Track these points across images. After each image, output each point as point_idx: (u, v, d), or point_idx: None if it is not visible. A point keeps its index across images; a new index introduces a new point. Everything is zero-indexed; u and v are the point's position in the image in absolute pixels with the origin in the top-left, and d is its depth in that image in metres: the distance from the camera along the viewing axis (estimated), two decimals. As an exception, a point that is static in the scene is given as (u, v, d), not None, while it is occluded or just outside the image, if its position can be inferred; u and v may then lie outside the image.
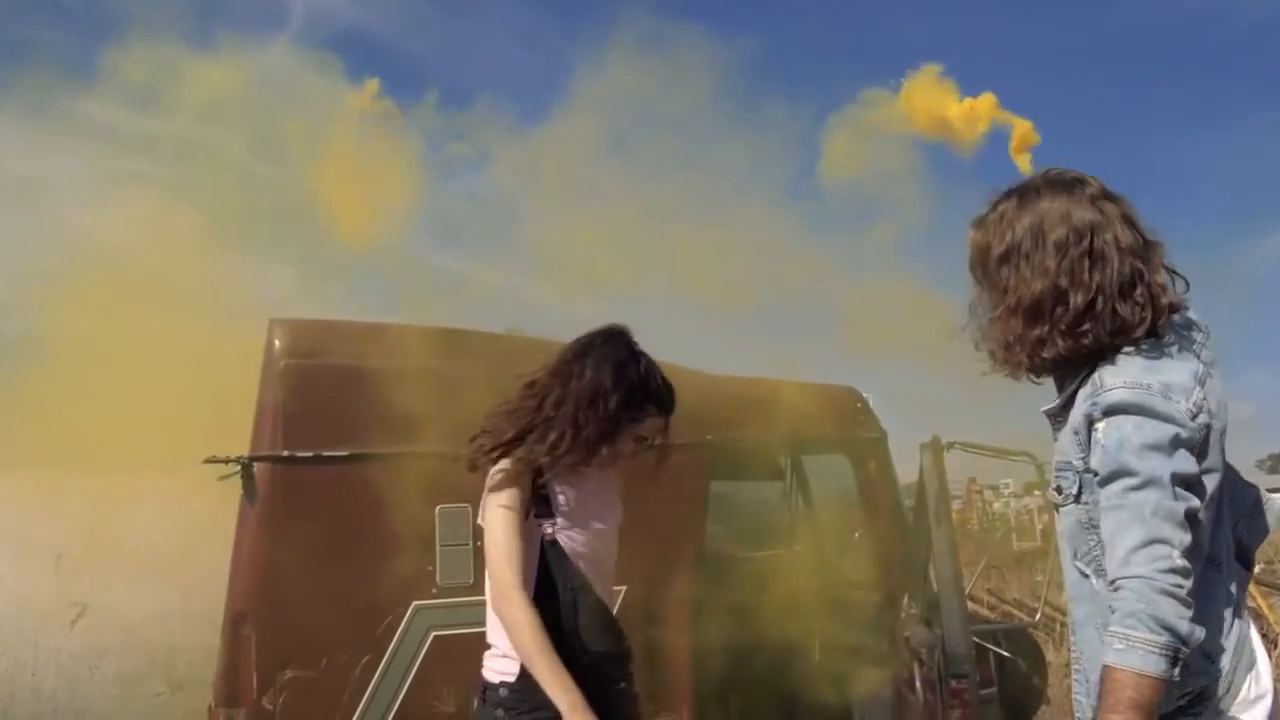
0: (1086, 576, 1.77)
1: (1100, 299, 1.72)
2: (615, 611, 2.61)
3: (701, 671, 3.63)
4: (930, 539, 3.59)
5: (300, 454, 3.30)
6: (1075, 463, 1.76)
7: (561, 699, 2.23)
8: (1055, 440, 1.84)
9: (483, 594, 3.39)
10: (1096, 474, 1.69)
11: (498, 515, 2.41)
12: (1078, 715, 1.80)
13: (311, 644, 3.25)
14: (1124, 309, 1.72)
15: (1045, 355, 1.76)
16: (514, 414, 2.53)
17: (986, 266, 1.82)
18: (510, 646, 2.35)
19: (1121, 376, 1.71)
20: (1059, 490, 1.79)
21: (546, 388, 2.50)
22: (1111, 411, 1.68)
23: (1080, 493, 1.76)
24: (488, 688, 2.42)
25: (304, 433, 3.32)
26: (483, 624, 3.39)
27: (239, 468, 3.31)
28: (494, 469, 2.49)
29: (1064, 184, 1.80)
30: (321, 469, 3.32)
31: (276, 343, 3.35)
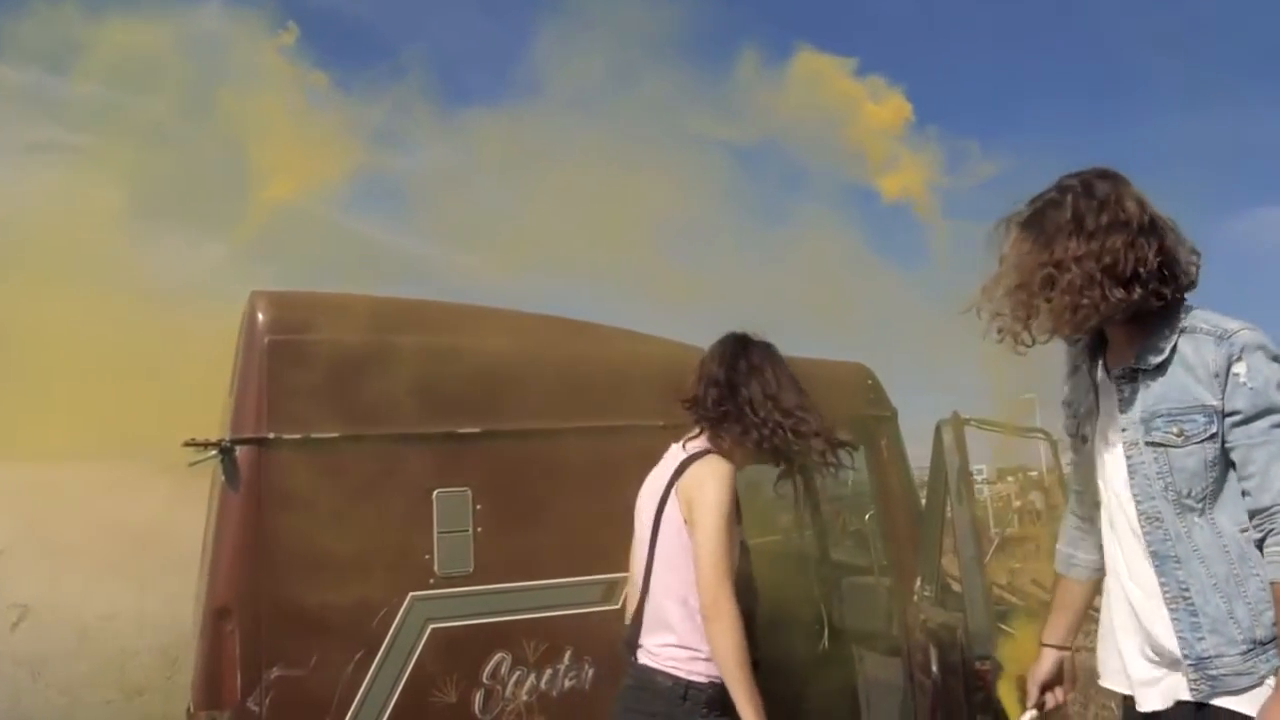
0: (1199, 513, 1.94)
1: (1170, 260, 1.97)
2: None
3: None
4: (943, 520, 3.48)
5: (287, 436, 3.08)
6: (1213, 403, 1.92)
7: (753, 717, 2.35)
8: (1143, 392, 2.01)
9: (482, 583, 3.25)
10: (1237, 412, 1.90)
11: (721, 525, 2.44)
12: (1184, 651, 1.92)
13: (300, 640, 3.03)
14: (1180, 269, 1.99)
15: (1119, 312, 1.96)
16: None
17: (1051, 246, 1.98)
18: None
19: (1224, 321, 1.97)
20: (1180, 433, 1.94)
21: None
22: (1248, 349, 1.91)
23: (1214, 432, 1.92)
24: (691, 687, 2.44)
25: (290, 414, 3.09)
26: (483, 615, 3.25)
27: (213, 452, 3.08)
28: (709, 469, 2.53)
29: (1109, 171, 2.05)
30: (309, 452, 3.10)
31: (259, 316, 3.12)
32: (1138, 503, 2.01)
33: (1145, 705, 2.01)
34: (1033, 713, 2.11)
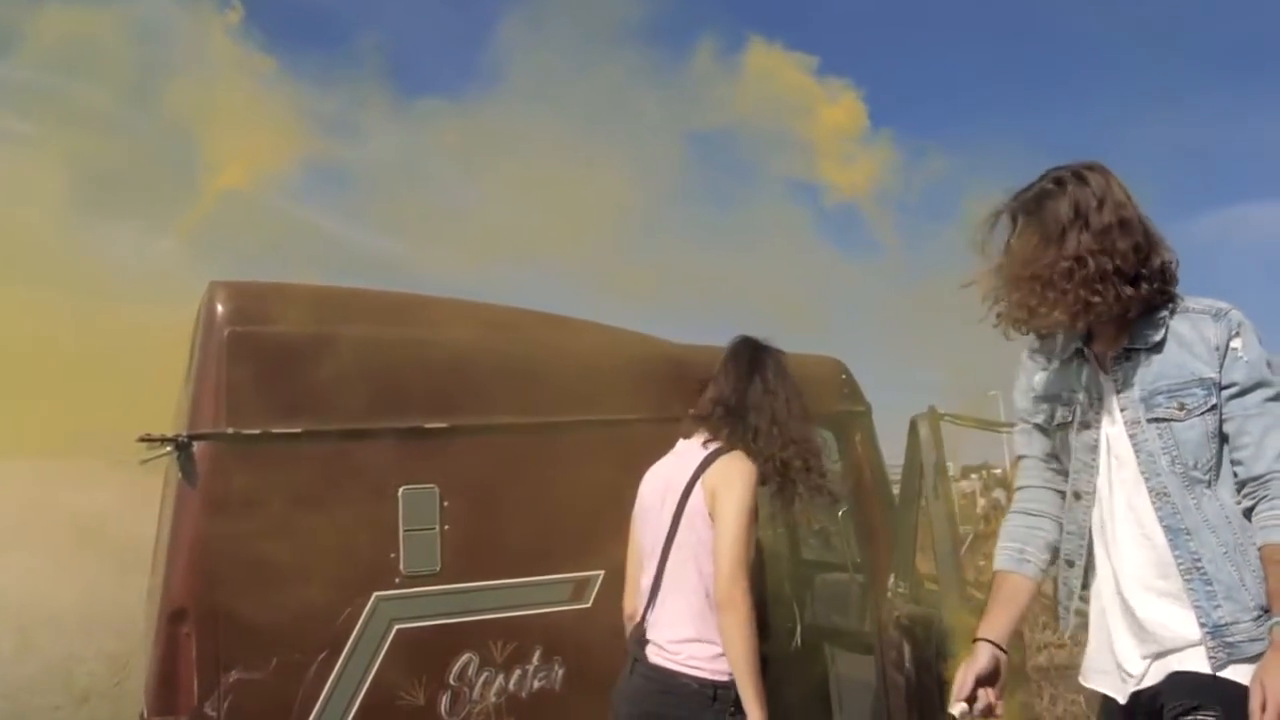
0: (1206, 485, 1.99)
1: (1165, 256, 2.05)
2: None
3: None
4: (918, 516, 3.45)
5: (247, 431, 2.97)
6: (1210, 375, 2.00)
7: (759, 712, 2.40)
8: (1140, 372, 2.06)
9: (449, 583, 3.16)
10: (1234, 384, 1.98)
11: (744, 521, 2.49)
12: (1201, 620, 1.94)
13: (260, 642, 2.92)
14: (1170, 264, 2.06)
15: (1130, 308, 2.02)
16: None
17: (1062, 238, 2.01)
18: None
19: (1214, 301, 2.07)
20: (1181, 407, 2.00)
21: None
22: (1244, 326, 2.01)
23: (1214, 404, 1.99)
24: (719, 688, 2.44)
25: (251, 408, 2.98)
26: (450, 614, 3.17)
27: (168, 448, 2.96)
28: (736, 465, 2.56)
29: (1098, 165, 2.10)
30: (270, 448, 2.99)
31: (219, 307, 3.01)
32: (1146, 480, 2.03)
33: (1143, 684, 2.02)
34: (962, 706, 2.04)
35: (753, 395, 2.66)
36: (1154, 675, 2.02)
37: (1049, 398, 2.20)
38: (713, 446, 2.63)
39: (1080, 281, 1.97)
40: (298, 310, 3.13)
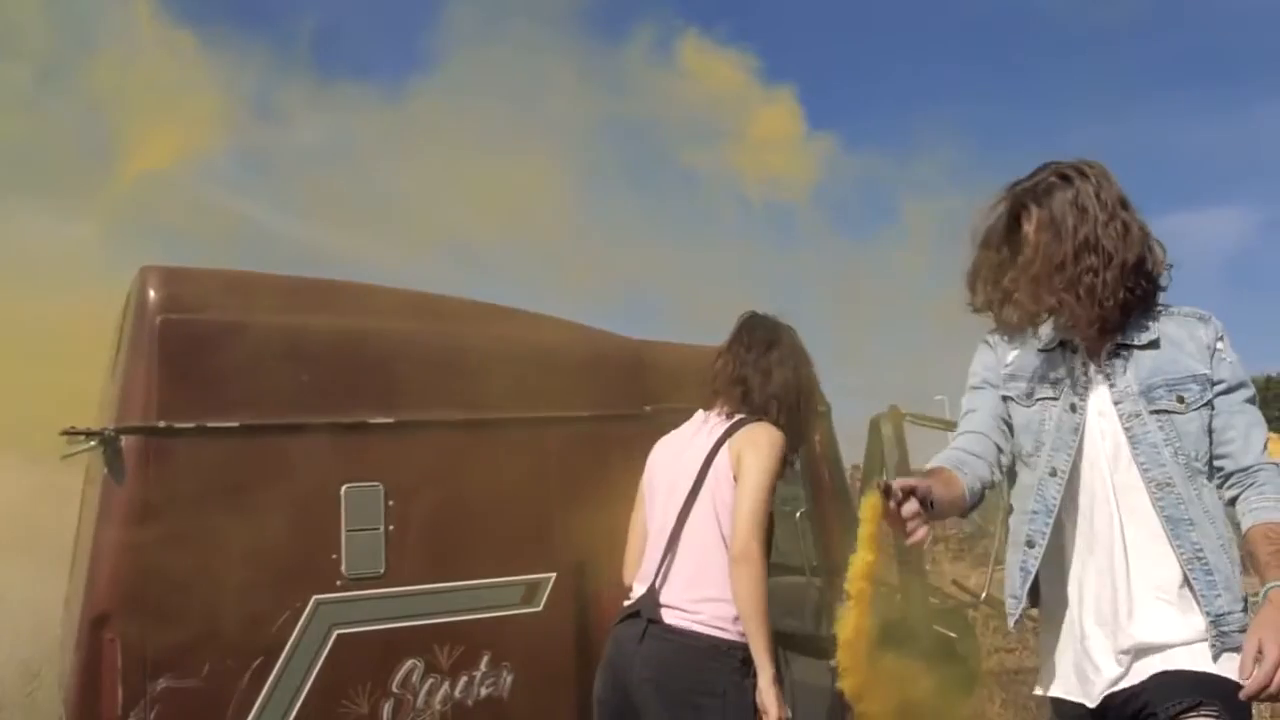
0: (1205, 477, 2.06)
1: (1161, 257, 2.11)
2: None
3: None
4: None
5: (179, 425, 2.80)
6: (1204, 372, 2.07)
7: (769, 667, 2.46)
8: (1134, 367, 2.10)
9: (393, 585, 3.03)
10: (1222, 381, 2.07)
11: (767, 483, 2.55)
12: (1206, 609, 1.97)
13: (191, 648, 2.76)
14: (1165, 266, 2.12)
15: (1129, 309, 2.07)
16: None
17: (1076, 232, 2.04)
18: None
19: (1195, 308, 2.15)
20: (1180, 400, 2.06)
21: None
22: (1224, 331, 2.11)
23: (1209, 399, 2.06)
24: (731, 647, 2.49)
25: (184, 400, 2.82)
26: (394, 619, 3.03)
27: (93, 443, 2.79)
28: (764, 431, 2.63)
29: (1100, 165, 2.13)
30: (205, 443, 2.83)
31: (151, 293, 2.84)
32: (1144, 470, 2.05)
33: (1119, 685, 2.00)
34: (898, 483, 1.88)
35: (773, 370, 2.75)
36: (1135, 675, 1.99)
37: (1028, 377, 2.18)
38: (737, 417, 2.71)
39: (1104, 281, 2.02)
40: (236, 298, 2.97)
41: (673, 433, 2.87)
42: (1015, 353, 2.21)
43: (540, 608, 3.18)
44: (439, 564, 3.07)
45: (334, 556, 2.94)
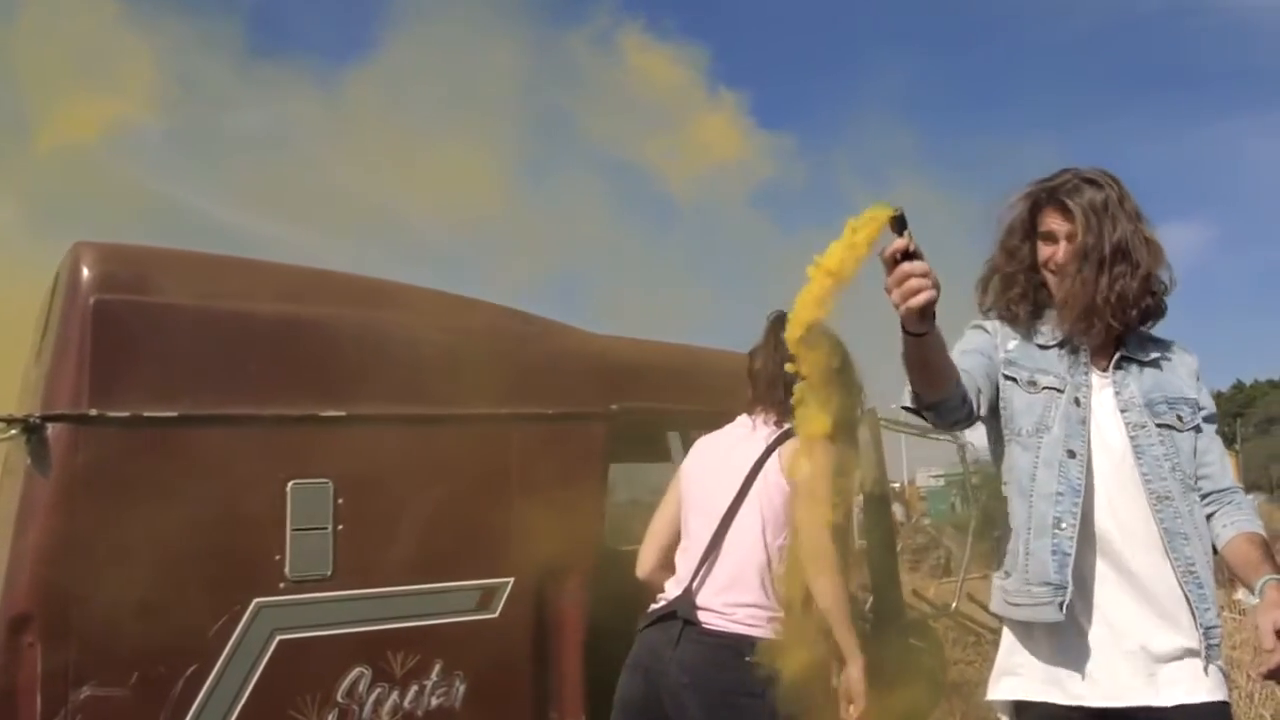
0: (1197, 494, 2.12)
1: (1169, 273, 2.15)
2: None
3: (597, 671, 3.18)
4: (854, 520, 3.29)
5: (112, 414, 2.61)
6: (1194, 396, 2.17)
7: (860, 659, 2.50)
8: (1136, 380, 2.15)
9: (341, 589, 2.85)
10: (1205, 409, 2.17)
11: (829, 490, 2.52)
12: (1200, 621, 2.02)
13: (119, 654, 2.57)
14: (1171, 283, 2.16)
15: (1145, 319, 2.13)
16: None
17: (1111, 234, 2.05)
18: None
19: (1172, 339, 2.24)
20: (1179, 419, 2.13)
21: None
22: (1199, 365, 2.22)
23: (1198, 423, 2.14)
24: (759, 644, 2.48)
25: (119, 387, 2.63)
26: (341, 624, 2.85)
27: (14, 430, 2.59)
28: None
29: (1115, 176, 2.14)
30: (140, 433, 2.64)
31: (85, 271, 2.64)
32: (1147, 481, 2.07)
33: (1133, 700, 2.01)
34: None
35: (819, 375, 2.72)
36: (1146, 689, 2.00)
37: (1031, 367, 2.15)
38: (786, 425, 2.67)
39: (1134, 286, 2.04)
40: (177, 279, 2.78)
41: (714, 435, 2.84)
42: (1015, 342, 2.19)
43: (496, 614, 3.03)
44: (390, 566, 2.90)
45: (277, 557, 2.76)
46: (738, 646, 2.49)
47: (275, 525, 2.77)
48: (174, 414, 2.68)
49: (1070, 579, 2.00)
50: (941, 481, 29.15)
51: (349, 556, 2.84)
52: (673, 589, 2.68)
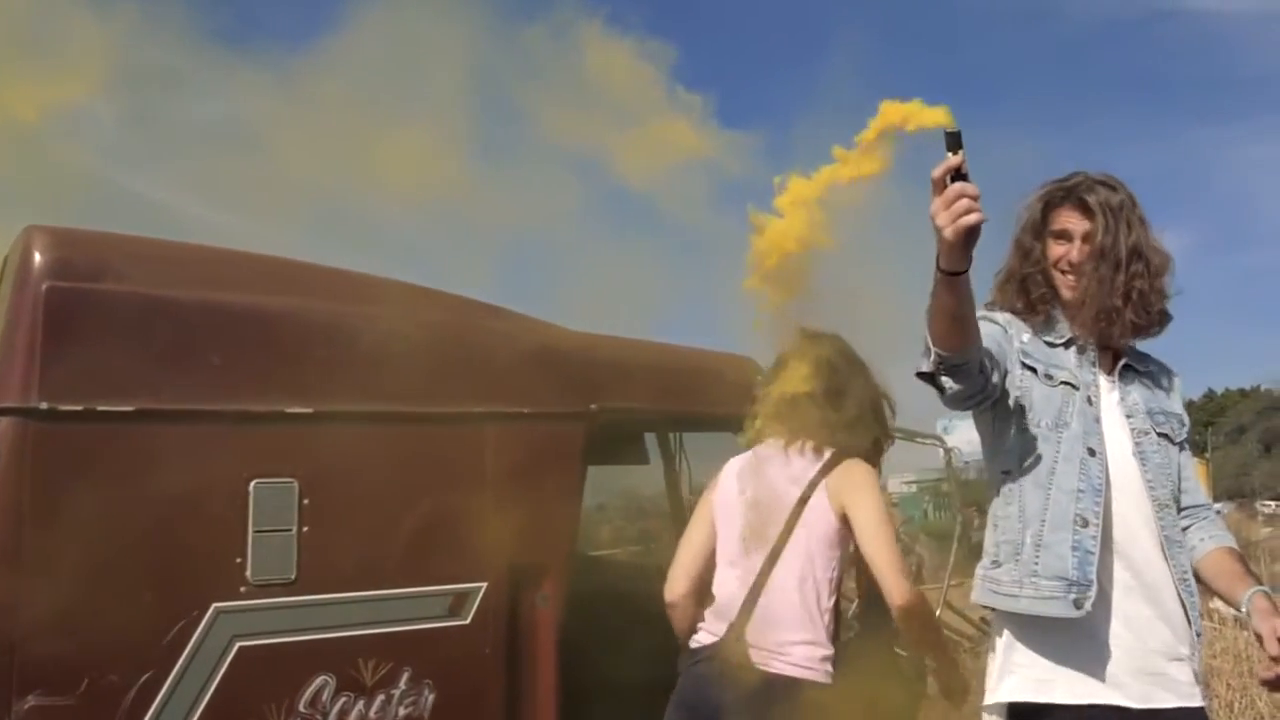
0: (1178, 505, 2.16)
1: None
2: None
3: (571, 682, 3.08)
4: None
5: (64, 407, 2.47)
6: (1181, 415, 2.22)
7: (959, 675, 2.68)
8: (1138, 389, 2.19)
9: (305, 593, 2.72)
10: (1186, 428, 2.22)
11: (890, 524, 2.58)
12: (1194, 628, 2.08)
13: (68, 661, 2.43)
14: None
15: (1161, 323, 2.15)
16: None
17: (1128, 236, 2.07)
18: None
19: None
20: (1173, 431, 2.18)
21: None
22: None
23: (1182, 441, 2.19)
24: (811, 685, 2.48)
25: (71, 379, 2.49)
26: (305, 630, 2.73)
27: None
28: (861, 471, 2.62)
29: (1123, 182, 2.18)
30: (94, 428, 2.51)
31: (37, 257, 2.51)
32: (1150, 488, 2.09)
33: (1140, 703, 2.01)
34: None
35: (846, 393, 2.67)
36: (1154, 695, 2.01)
37: (1044, 362, 2.14)
38: (826, 452, 2.64)
39: (1149, 289, 2.06)
40: (138, 266, 2.65)
41: (747, 457, 2.77)
42: (1028, 336, 2.18)
43: (468, 620, 2.91)
44: (357, 570, 2.78)
45: (238, 560, 2.64)
46: (791, 687, 2.45)
47: (236, 526, 2.64)
48: (130, 408, 2.55)
49: (1094, 577, 1.97)
50: (914, 488, 29.23)
51: (314, 560, 2.72)
52: (715, 624, 2.63)
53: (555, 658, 3.04)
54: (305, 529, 2.71)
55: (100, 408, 2.51)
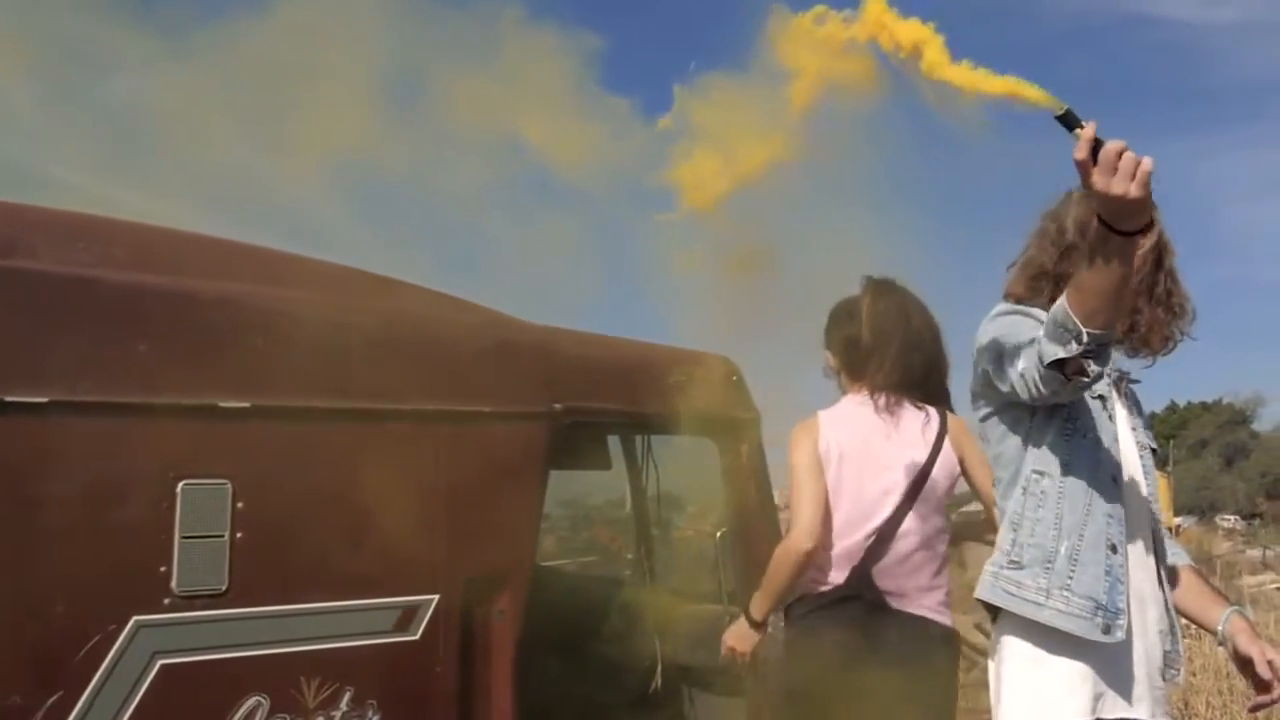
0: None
1: None
2: None
3: (529, 697, 2.87)
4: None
5: (-32, 399, 2.24)
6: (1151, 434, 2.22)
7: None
8: (1134, 404, 2.19)
9: (237, 605, 2.48)
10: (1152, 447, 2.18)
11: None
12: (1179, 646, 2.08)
13: (-34, 679, 2.20)
14: None
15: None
16: None
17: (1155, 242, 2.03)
18: None
19: None
20: (1156, 449, 2.19)
21: None
22: None
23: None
24: (947, 632, 2.74)
25: (-24, 368, 2.26)
26: (236, 646, 2.49)
27: None
28: (963, 422, 2.83)
29: None
30: (3, 421, 2.27)
31: (-62, 231, 2.27)
32: (1150, 502, 2.09)
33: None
34: None
35: (926, 349, 2.84)
36: (1152, 712, 2.02)
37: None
38: (929, 408, 2.82)
39: (1177, 298, 2.06)
40: (54, 244, 2.42)
41: (844, 410, 2.87)
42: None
43: (417, 635, 2.70)
44: (295, 581, 2.56)
45: (163, 569, 2.40)
46: (927, 631, 2.67)
47: (161, 532, 2.40)
48: (44, 399, 2.31)
49: (1124, 606, 1.94)
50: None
51: (247, 569, 2.49)
52: (841, 570, 2.74)
53: (512, 676, 2.83)
54: (238, 535, 2.48)
55: (8, 399, 2.27)
